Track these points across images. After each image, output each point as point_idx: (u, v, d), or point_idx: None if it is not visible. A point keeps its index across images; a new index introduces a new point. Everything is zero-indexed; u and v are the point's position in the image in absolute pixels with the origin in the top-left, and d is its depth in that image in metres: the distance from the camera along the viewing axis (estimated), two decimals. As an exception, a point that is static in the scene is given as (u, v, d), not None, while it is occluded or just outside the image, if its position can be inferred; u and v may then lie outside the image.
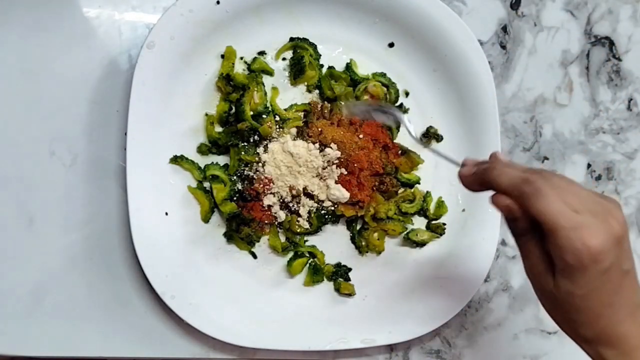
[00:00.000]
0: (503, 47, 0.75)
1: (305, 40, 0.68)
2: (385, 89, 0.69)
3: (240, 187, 0.65)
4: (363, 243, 0.68)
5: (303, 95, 0.69)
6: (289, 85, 0.69)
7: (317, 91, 0.69)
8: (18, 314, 0.63)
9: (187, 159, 0.65)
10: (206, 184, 0.66)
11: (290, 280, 0.67)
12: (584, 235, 0.40)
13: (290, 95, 0.68)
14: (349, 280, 0.68)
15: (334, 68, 0.69)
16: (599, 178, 0.76)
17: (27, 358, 0.64)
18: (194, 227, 0.66)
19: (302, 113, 0.67)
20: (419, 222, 0.71)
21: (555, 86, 0.76)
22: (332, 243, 0.69)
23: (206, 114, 0.66)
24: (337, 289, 0.67)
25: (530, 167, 0.46)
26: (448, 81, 0.70)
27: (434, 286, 0.68)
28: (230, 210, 0.64)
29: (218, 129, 0.66)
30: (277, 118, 0.66)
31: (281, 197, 0.65)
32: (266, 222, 0.65)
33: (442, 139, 0.71)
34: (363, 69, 0.70)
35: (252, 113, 0.65)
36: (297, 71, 0.67)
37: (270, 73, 0.68)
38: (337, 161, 0.65)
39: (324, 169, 0.65)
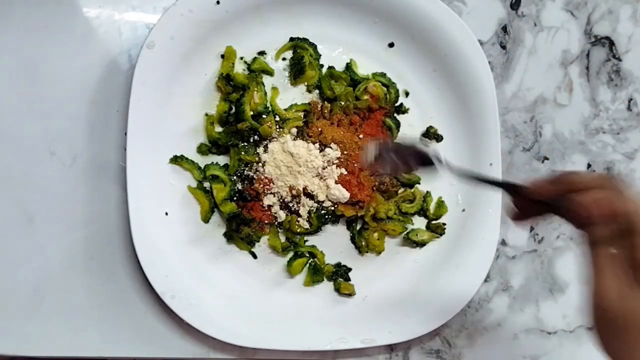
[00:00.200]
0: (503, 47, 0.75)
1: (305, 40, 0.68)
2: (385, 89, 0.69)
3: (240, 187, 0.65)
4: (363, 243, 0.68)
5: (303, 95, 0.69)
6: (289, 85, 0.69)
7: (317, 91, 0.69)
8: (18, 314, 0.63)
9: (187, 159, 0.65)
10: (206, 184, 0.66)
11: (290, 280, 0.67)
12: None
13: (290, 95, 0.68)
14: (349, 280, 0.68)
15: (334, 68, 0.69)
16: (599, 178, 0.76)
17: (27, 358, 0.64)
18: (194, 227, 0.66)
19: (302, 113, 0.67)
20: (419, 222, 0.71)
21: (555, 86, 0.76)
22: (332, 243, 0.69)
23: (206, 114, 0.66)
24: (337, 289, 0.67)
25: None
26: (448, 81, 0.70)
27: (434, 286, 0.68)
28: (230, 210, 0.64)
29: (218, 129, 0.66)
30: (277, 118, 0.66)
31: (281, 197, 0.65)
32: (266, 222, 0.65)
33: (442, 139, 0.71)
34: (363, 69, 0.70)
35: (252, 113, 0.65)
36: (297, 71, 0.67)
37: (270, 73, 0.68)
38: (337, 161, 0.65)
39: (324, 169, 0.65)
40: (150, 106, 0.63)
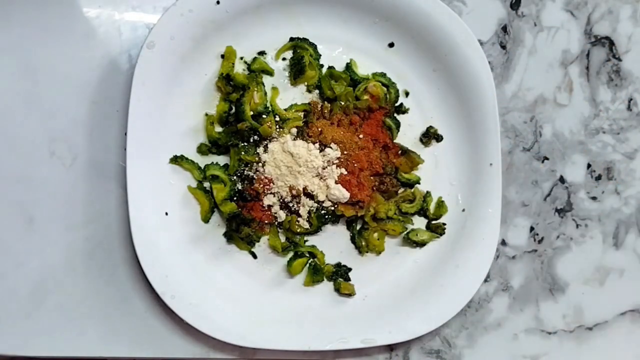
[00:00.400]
0: (503, 47, 0.75)
1: (305, 40, 0.68)
2: (385, 89, 0.69)
3: (240, 187, 0.65)
4: (363, 243, 0.68)
5: (303, 95, 0.69)
6: (289, 85, 0.69)
7: (317, 91, 0.69)
8: (18, 314, 0.63)
9: (187, 159, 0.65)
10: (206, 184, 0.66)
11: (290, 280, 0.68)
12: None
13: (290, 95, 0.68)
14: (349, 280, 0.68)
15: (334, 68, 0.69)
16: (599, 178, 0.76)
17: (27, 358, 0.64)
18: (194, 227, 0.66)
19: (302, 113, 0.67)
20: (419, 222, 0.71)
21: (555, 86, 0.76)
22: (332, 243, 0.69)
23: (206, 114, 0.66)
24: (337, 289, 0.67)
25: None
26: (448, 81, 0.70)
27: (434, 286, 0.68)
28: (230, 210, 0.64)
29: (218, 129, 0.66)
30: (277, 118, 0.66)
31: (281, 197, 0.65)
32: (266, 222, 0.65)
33: (442, 139, 0.71)
34: (363, 69, 0.70)
35: (252, 113, 0.65)
36: (297, 71, 0.67)
37: (270, 73, 0.68)
38: (337, 161, 0.65)
39: (324, 169, 0.65)
40: (150, 106, 0.63)
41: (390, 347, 0.69)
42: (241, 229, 0.64)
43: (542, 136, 0.75)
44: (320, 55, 0.69)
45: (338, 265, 0.68)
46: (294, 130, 0.66)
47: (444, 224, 0.70)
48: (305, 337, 0.64)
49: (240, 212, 0.64)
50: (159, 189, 0.64)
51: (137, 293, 0.65)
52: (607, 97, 0.77)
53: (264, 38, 0.68)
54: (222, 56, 0.66)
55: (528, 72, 0.75)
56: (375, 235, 0.68)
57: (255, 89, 0.65)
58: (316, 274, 0.67)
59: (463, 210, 0.71)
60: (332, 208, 0.66)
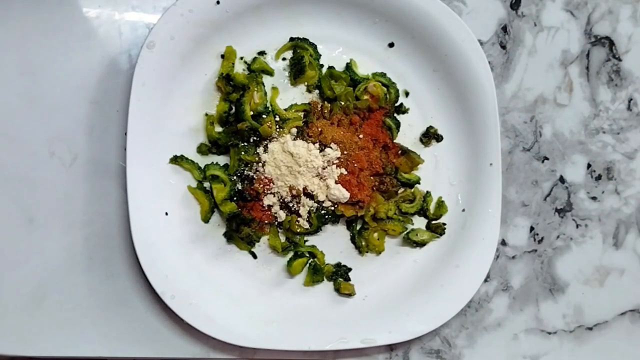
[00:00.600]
0: (503, 47, 0.75)
1: (305, 40, 0.68)
2: (385, 89, 0.69)
3: (240, 187, 0.65)
4: (363, 243, 0.68)
5: (303, 95, 0.69)
6: (289, 85, 0.69)
7: (317, 91, 0.69)
8: (18, 314, 0.63)
9: (187, 159, 0.65)
10: (206, 184, 0.66)
11: (290, 280, 0.68)
12: None
13: (290, 95, 0.68)
14: (349, 280, 0.68)
15: (334, 68, 0.69)
16: (599, 178, 0.76)
17: (27, 358, 0.64)
18: (194, 227, 0.66)
19: (302, 113, 0.67)
20: (419, 222, 0.71)
21: (555, 86, 0.76)
22: (332, 243, 0.69)
23: (206, 114, 0.66)
24: (337, 289, 0.67)
25: None
26: (448, 81, 0.70)
27: (434, 286, 0.68)
28: (230, 210, 0.64)
29: (218, 129, 0.66)
30: (277, 118, 0.66)
31: (281, 197, 0.65)
32: (266, 222, 0.65)
33: (442, 139, 0.71)
34: (363, 69, 0.70)
35: (252, 113, 0.65)
36: (297, 71, 0.67)
37: (270, 73, 0.68)
38: (337, 161, 0.65)
39: (324, 169, 0.65)
40: (150, 106, 0.63)
41: (390, 347, 0.69)
42: (241, 229, 0.64)
43: (542, 136, 0.75)
44: (320, 55, 0.69)
45: (338, 265, 0.68)
46: (294, 130, 0.66)
47: (444, 224, 0.70)
48: (305, 337, 0.64)
49: (240, 212, 0.64)
50: (159, 189, 0.64)
51: (137, 293, 0.65)
52: (607, 97, 0.77)
53: (264, 38, 0.68)
54: (222, 56, 0.66)
55: (528, 72, 0.75)
56: (375, 235, 0.68)
57: (255, 89, 0.65)
58: (316, 274, 0.67)
59: (463, 210, 0.71)
60: (332, 208, 0.66)
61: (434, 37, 0.68)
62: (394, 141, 0.69)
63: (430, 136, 0.70)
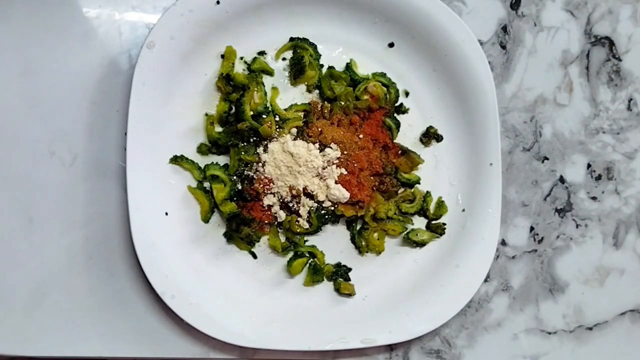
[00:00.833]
0: (503, 47, 0.75)
1: (305, 40, 0.68)
2: (385, 89, 0.69)
3: (240, 187, 0.65)
4: (363, 243, 0.68)
5: (303, 95, 0.69)
6: (289, 85, 0.69)
7: (317, 91, 0.69)
8: (18, 314, 0.63)
9: (187, 159, 0.65)
10: (206, 184, 0.66)
11: (290, 280, 0.68)
12: None
13: (290, 95, 0.68)
14: (349, 280, 0.68)
15: (334, 68, 0.69)
16: (599, 178, 0.76)
17: (27, 358, 0.64)
18: (194, 227, 0.66)
19: (302, 113, 0.67)
20: (419, 222, 0.71)
21: (555, 86, 0.76)
22: (332, 243, 0.69)
23: (206, 114, 0.66)
24: (337, 289, 0.67)
25: None
26: (448, 81, 0.70)
27: (434, 286, 0.68)
28: (230, 210, 0.64)
29: (218, 129, 0.66)
30: (277, 118, 0.66)
31: (281, 197, 0.65)
32: (266, 222, 0.65)
33: (442, 139, 0.71)
34: (363, 69, 0.70)
35: (252, 113, 0.65)
36: (297, 71, 0.67)
37: (270, 73, 0.68)
38: (337, 161, 0.65)
39: (324, 169, 0.65)
40: (150, 106, 0.63)
41: (390, 347, 0.69)
42: (241, 229, 0.64)
43: (542, 136, 0.75)
44: (320, 55, 0.69)
45: (338, 265, 0.68)
46: (294, 130, 0.66)
47: (444, 224, 0.70)
48: (305, 337, 0.64)
49: (240, 212, 0.64)
50: (159, 189, 0.64)
51: (137, 293, 0.65)
52: (607, 97, 0.77)
53: (264, 38, 0.68)
54: (222, 56, 0.66)
55: (528, 72, 0.75)
56: (375, 235, 0.68)
57: (255, 89, 0.65)
58: (316, 274, 0.67)
59: (463, 210, 0.71)
60: (332, 208, 0.66)
61: (434, 37, 0.68)
62: (394, 141, 0.69)
63: (430, 136, 0.70)
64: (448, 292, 0.67)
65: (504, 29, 0.75)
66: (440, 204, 0.70)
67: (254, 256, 0.67)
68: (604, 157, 0.77)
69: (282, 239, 0.67)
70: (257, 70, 0.67)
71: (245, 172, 0.65)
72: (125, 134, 0.62)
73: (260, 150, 0.65)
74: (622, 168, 0.77)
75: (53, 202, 0.64)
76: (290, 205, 0.65)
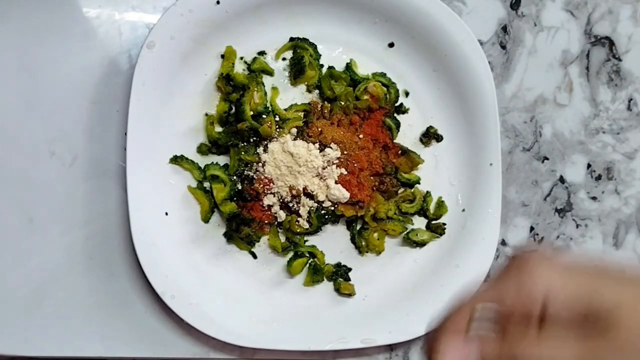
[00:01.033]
0: (503, 47, 0.75)
1: (305, 40, 0.68)
2: (385, 89, 0.69)
3: (240, 187, 0.65)
4: (363, 243, 0.68)
5: (303, 95, 0.69)
6: (289, 85, 0.69)
7: (317, 91, 0.69)
8: (18, 314, 0.63)
9: (187, 159, 0.65)
10: (206, 184, 0.66)
11: (290, 280, 0.67)
12: None
13: (290, 95, 0.68)
14: (349, 280, 0.68)
15: (334, 68, 0.68)
16: (599, 178, 0.76)
17: (27, 358, 0.64)
18: (194, 227, 0.66)
19: (302, 113, 0.67)
20: (419, 222, 0.71)
21: (555, 86, 0.76)
22: (332, 243, 0.69)
23: (206, 114, 0.66)
24: (337, 289, 0.67)
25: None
26: (448, 81, 0.70)
27: (434, 286, 0.68)
28: (230, 210, 0.64)
29: (218, 129, 0.66)
30: (277, 118, 0.66)
31: (281, 197, 0.65)
32: (266, 222, 0.65)
33: (442, 139, 0.71)
34: (363, 69, 0.70)
35: (252, 113, 0.65)
36: (297, 71, 0.67)
37: (270, 73, 0.68)
38: (337, 161, 0.65)
39: (324, 169, 0.65)
40: (150, 106, 0.63)
41: (390, 347, 0.69)
42: (241, 229, 0.64)
43: (542, 136, 0.75)
44: (320, 55, 0.69)
45: (338, 265, 0.68)
46: (294, 130, 0.66)
47: (444, 224, 0.70)
48: (305, 337, 0.64)
49: (240, 212, 0.64)
50: (159, 189, 0.64)
51: (137, 293, 0.65)
52: (607, 97, 0.77)
53: (264, 38, 0.68)
54: (222, 56, 0.66)
55: (528, 72, 0.75)
56: (375, 235, 0.68)
57: (255, 89, 0.65)
58: (316, 274, 0.67)
59: (463, 210, 0.71)
60: (332, 208, 0.66)
61: (434, 37, 0.68)
62: (394, 141, 0.69)
63: (430, 136, 0.70)
64: (448, 292, 0.67)
65: (504, 29, 0.75)
66: (440, 204, 0.70)
67: (254, 256, 0.67)
68: (604, 157, 0.77)
69: (282, 239, 0.67)
70: (257, 70, 0.67)
71: (245, 172, 0.65)
72: (125, 134, 0.62)
73: (260, 150, 0.65)
74: (622, 168, 0.77)
75: (53, 202, 0.64)
76: (290, 205, 0.65)
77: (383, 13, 0.68)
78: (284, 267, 0.67)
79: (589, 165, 0.76)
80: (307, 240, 0.68)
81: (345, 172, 0.65)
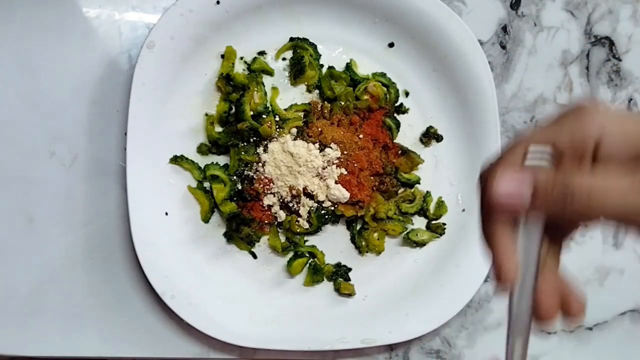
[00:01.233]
0: (503, 47, 0.75)
1: (305, 40, 0.68)
2: (385, 89, 0.69)
3: (240, 187, 0.65)
4: (363, 243, 0.68)
5: (303, 95, 0.69)
6: (289, 85, 0.69)
7: (317, 91, 0.69)
8: (18, 314, 0.63)
9: (187, 159, 0.65)
10: (206, 184, 0.66)
11: (290, 280, 0.67)
12: None
13: (290, 95, 0.68)
14: (349, 280, 0.68)
15: (334, 68, 0.68)
16: (599, 178, 0.76)
17: (27, 358, 0.64)
18: (194, 227, 0.66)
19: (302, 113, 0.67)
20: (419, 222, 0.71)
21: (555, 86, 0.76)
22: (332, 243, 0.69)
23: (206, 114, 0.66)
24: (337, 289, 0.67)
25: None
26: (448, 81, 0.70)
27: (434, 286, 0.68)
28: (230, 210, 0.64)
29: (218, 129, 0.66)
30: (277, 118, 0.66)
31: (281, 197, 0.65)
32: (266, 222, 0.65)
33: (442, 139, 0.71)
34: (363, 69, 0.70)
35: (252, 113, 0.65)
36: (297, 71, 0.67)
37: (270, 73, 0.68)
38: (337, 161, 0.65)
39: (324, 169, 0.65)
40: (150, 106, 0.63)
41: (390, 347, 0.69)
42: (241, 229, 0.64)
43: (542, 136, 0.75)
44: (320, 55, 0.69)
45: (338, 265, 0.68)
46: (294, 130, 0.66)
47: (444, 224, 0.70)
48: (305, 337, 0.64)
49: (240, 212, 0.64)
50: (159, 189, 0.64)
51: (137, 293, 0.65)
52: (607, 97, 0.77)
53: (264, 38, 0.68)
54: (222, 56, 0.66)
55: (528, 72, 0.75)
56: (375, 235, 0.68)
57: (255, 89, 0.65)
58: (316, 274, 0.67)
59: (463, 210, 0.71)
60: (332, 208, 0.66)
61: (434, 37, 0.68)
62: (394, 141, 0.69)
63: (430, 136, 0.70)
64: (448, 292, 0.67)
65: (504, 29, 0.75)
66: (440, 204, 0.70)
67: (254, 256, 0.67)
68: (604, 157, 0.76)
69: (282, 239, 0.67)
70: (257, 70, 0.67)
71: (245, 172, 0.65)
72: (125, 134, 0.62)
73: (260, 150, 0.65)
74: (622, 168, 0.77)
75: (53, 202, 0.64)
76: (290, 205, 0.65)
77: (383, 13, 0.68)
78: (284, 267, 0.67)
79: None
80: (307, 240, 0.68)
81: (345, 172, 0.65)
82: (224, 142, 0.65)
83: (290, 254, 0.67)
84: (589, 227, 0.37)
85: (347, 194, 0.64)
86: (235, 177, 0.66)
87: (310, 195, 0.65)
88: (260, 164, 0.65)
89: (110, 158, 0.65)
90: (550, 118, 0.34)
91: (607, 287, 0.75)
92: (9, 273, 0.63)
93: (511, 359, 0.41)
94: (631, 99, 0.78)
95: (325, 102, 0.68)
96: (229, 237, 0.66)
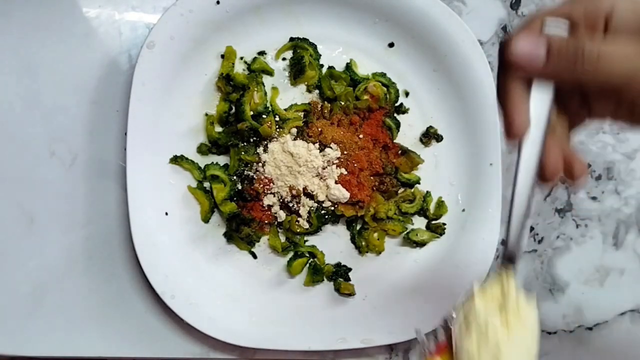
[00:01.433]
0: (503, 47, 0.75)
1: (305, 40, 0.68)
2: (385, 89, 0.69)
3: (240, 187, 0.65)
4: (363, 243, 0.68)
5: (303, 95, 0.69)
6: (289, 85, 0.69)
7: (317, 91, 0.69)
8: (18, 314, 0.63)
9: (187, 159, 0.65)
10: (206, 184, 0.66)
11: (290, 280, 0.68)
12: None
13: (290, 95, 0.68)
14: (349, 280, 0.68)
15: (334, 68, 0.69)
16: (599, 178, 0.76)
17: (27, 358, 0.64)
18: (194, 227, 0.66)
19: (302, 113, 0.67)
20: (419, 222, 0.71)
21: (555, 86, 0.76)
22: (332, 243, 0.69)
23: (206, 114, 0.66)
24: (337, 289, 0.67)
25: None
26: (448, 81, 0.70)
27: (434, 286, 0.68)
28: (230, 210, 0.64)
29: (218, 129, 0.66)
30: (277, 118, 0.66)
31: (281, 197, 0.65)
32: (266, 222, 0.65)
33: (442, 139, 0.71)
34: (363, 69, 0.70)
35: (252, 113, 0.65)
36: (297, 71, 0.67)
37: (270, 73, 0.68)
38: (337, 161, 0.65)
39: (324, 169, 0.65)
40: (150, 106, 0.63)
41: (390, 347, 0.69)
42: (241, 229, 0.64)
43: (542, 136, 0.75)
44: (320, 55, 0.69)
45: (338, 265, 0.68)
46: (294, 130, 0.66)
47: (444, 224, 0.70)
48: (305, 337, 0.64)
49: (240, 212, 0.64)
50: (159, 189, 0.64)
51: (137, 293, 0.65)
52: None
53: (264, 38, 0.68)
54: (222, 56, 0.66)
55: (528, 72, 0.75)
56: (375, 235, 0.68)
57: (255, 89, 0.65)
58: (316, 274, 0.67)
59: (463, 210, 0.71)
60: (332, 208, 0.66)
61: (434, 37, 0.68)
62: (394, 141, 0.69)
63: (430, 136, 0.70)
64: (448, 292, 0.67)
65: (504, 29, 0.75)
66: (440, 204, 0.70)
67: (254, 256, 0.67)
68: (604, 157, 0.77)
69: (282, 239, 0.67)
70: (257, 70, 0.67)
71: (245, 172, 0.65)
72: (125, 134, 0.62)
73: (260, 150, 0.65)
74: (622, 168, 0.77)
75: (53, 202, 0.64)
76: (290, 205, 0.65)
77: (383, 13, 0.68)
78: (284, 267, 0.67)
79: (589, 165, 0.76)
80: (307, 240, 0.68)
81: (345, 172, 0.65)
82: (224, 142, 0.65)
83: (290, 254, 0.67)
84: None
85: (347, 194, 0.64)
86: (235, 177, 0.66)
87: (310, 195, 0.65)
88: (260, 164, 0.65)
89: (110, 158, 0.65)
90: None
91: (607, 287, 0.75)
92: (9, 273, 0.63)
93: (511, 207, 0.46)
94: None
95: (325, 102, 0.68)
96: (229, 237, 0.66)
